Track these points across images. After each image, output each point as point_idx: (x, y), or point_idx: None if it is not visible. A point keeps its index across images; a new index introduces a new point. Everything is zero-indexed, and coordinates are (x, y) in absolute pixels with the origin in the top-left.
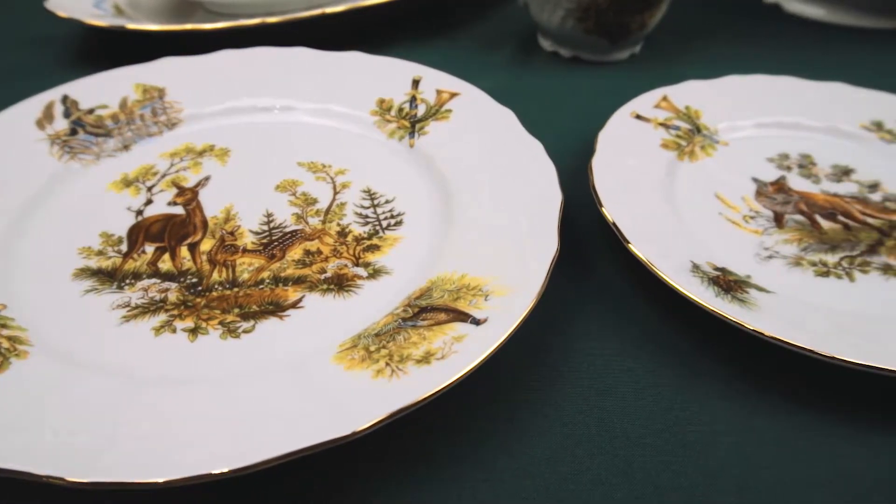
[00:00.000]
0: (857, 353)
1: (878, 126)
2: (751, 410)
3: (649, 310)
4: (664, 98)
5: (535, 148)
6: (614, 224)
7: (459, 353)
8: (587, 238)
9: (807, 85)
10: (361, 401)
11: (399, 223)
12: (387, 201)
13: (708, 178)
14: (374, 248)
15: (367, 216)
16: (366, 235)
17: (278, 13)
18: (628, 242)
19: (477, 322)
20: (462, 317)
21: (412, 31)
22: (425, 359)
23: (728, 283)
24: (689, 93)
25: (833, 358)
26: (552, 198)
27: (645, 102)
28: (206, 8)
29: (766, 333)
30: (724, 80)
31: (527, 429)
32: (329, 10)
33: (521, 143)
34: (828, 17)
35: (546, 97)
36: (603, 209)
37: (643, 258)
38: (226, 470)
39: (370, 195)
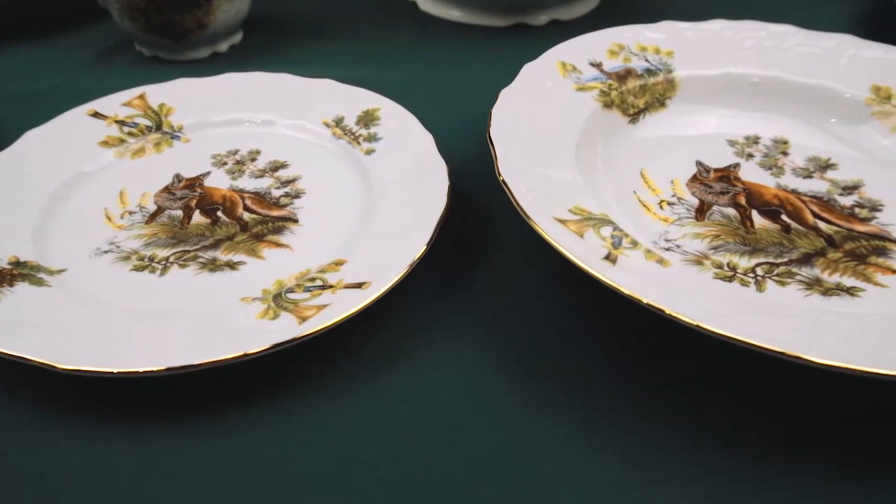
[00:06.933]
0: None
1: (338, 122)
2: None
3: None
4: (140, 96)
5: None
6: None
7: None
8: None
9: (298, 82)
10: None
11: None
12: None
13: (137, 175)
14: None
15: None
16: None
17: None
18: None
19: None
20: None
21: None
22: None
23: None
24: (179, 90)
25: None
26: None
27: (116, 100)
28: None
29: None
30: (221, 77)
31: None
32: None
33: None
34: (464, 19)
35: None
36: None
37: None
38: None
39: None
